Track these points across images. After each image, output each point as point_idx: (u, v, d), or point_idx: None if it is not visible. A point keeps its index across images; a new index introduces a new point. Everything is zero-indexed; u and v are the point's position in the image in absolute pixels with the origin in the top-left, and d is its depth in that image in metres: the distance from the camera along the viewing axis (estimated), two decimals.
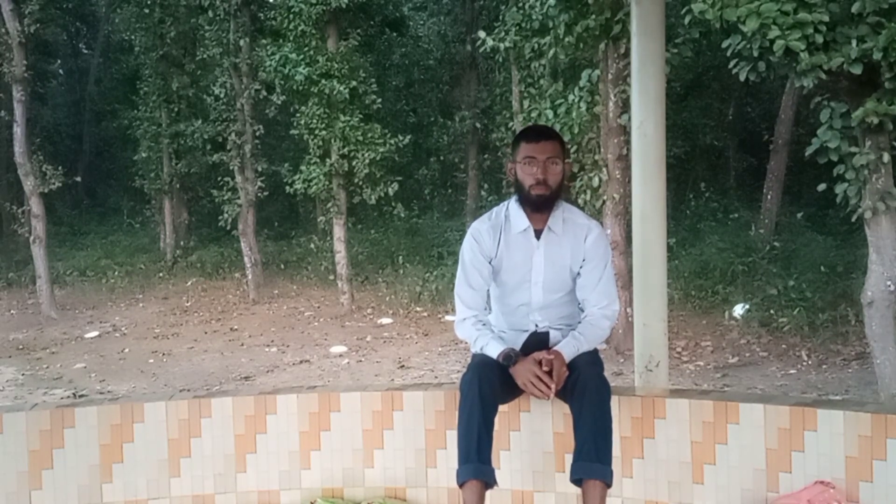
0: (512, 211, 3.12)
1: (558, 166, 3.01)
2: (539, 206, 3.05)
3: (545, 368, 2.90)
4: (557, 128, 9.74)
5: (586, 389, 2.86)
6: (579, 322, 3.10)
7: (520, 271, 3.10)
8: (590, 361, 2.98)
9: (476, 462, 2.80)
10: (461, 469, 2.83)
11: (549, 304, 3.12)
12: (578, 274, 3.10)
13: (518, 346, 3.09)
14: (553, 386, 2.88)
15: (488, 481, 2.82)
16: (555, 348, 2.99)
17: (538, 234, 3.09)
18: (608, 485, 2.80)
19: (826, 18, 6.07)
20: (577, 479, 2.84)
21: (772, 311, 10.44)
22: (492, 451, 2.86)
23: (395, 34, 18.97)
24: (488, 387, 2.88)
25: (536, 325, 3.13)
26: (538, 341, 3.11)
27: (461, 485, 2.82)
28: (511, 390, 3.04)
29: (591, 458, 2.79)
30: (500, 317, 3.19)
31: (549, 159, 3.00)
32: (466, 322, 3.10)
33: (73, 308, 15.31)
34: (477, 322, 3.09)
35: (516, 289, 3.12)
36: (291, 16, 13.40)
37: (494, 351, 2.98)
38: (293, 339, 12.20)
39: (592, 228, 3.12)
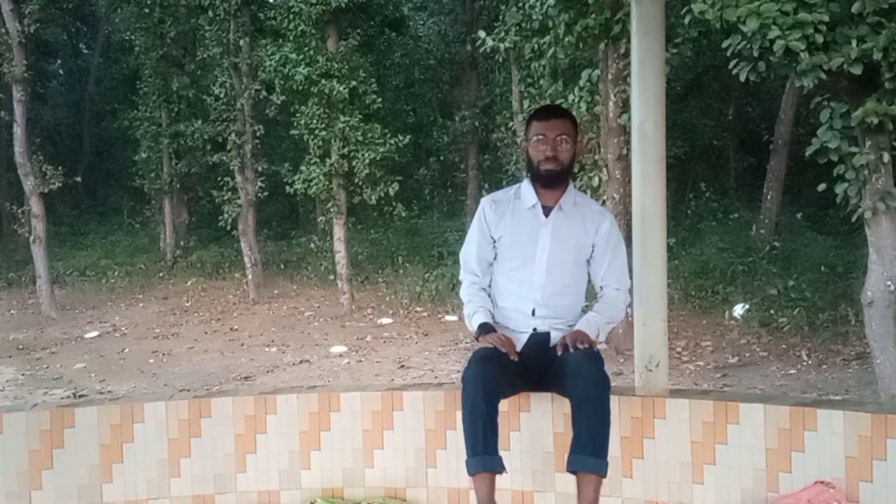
0: (523, 189, 3.20)
1: (569, 144, 3.09)
2: (549, 182, 3.11)
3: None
4: None
5: (586, 383, 2.87)
6: (596, 301, 3.18)
7: (524, 246, 3.13)
8: (590, 356, 2.98)
9: (483, 454, 2.84)
10: (469, 461, 2.87)
11: (550, 286, 3.12)
12: (588, 262, 3.17)
13: (519, 348, 3.09)
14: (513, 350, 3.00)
15: (497, 471, 2.87)
16: (577, 329, 3.07)
17: (547, 211, 3.14)
18: (603, 476, 2.84)
19: (826, 18, 6.07)
20: (572, 470, 2.87)
21: (772, 311, 10.44)
22: (498, 441, 2.88)
23: (395, 34, 18.97)
24: (490, 379, 2.90)
25: (534, 312, 3.13)
26: (539, 342, 3.11)
27: (471, 475, 2.87)
28: (512, 384, 3.06)
29: (587, 451, 2.82)
30: (503, 299, 3.21)
31: (559, 136, 3.07)
32: (464, 283, 3.25)
33: (73, 308, 15.31)
34: (472, 286, 3.22)
35: (520, 267, 3.14)
36: (291, 16, 13.41)
37: (476, 321, 3.12)
38: (293, 339, 12.20)
39: (605, 218, 3.20)
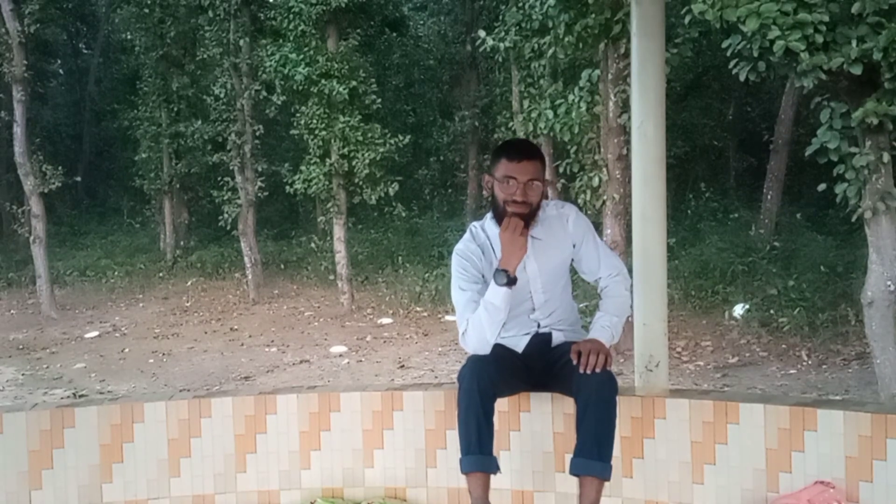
0: (490, 233, 3.07)
1: (539, 186, 2.96)
2: None
3: None
4: (557, 128, 9.75)
5: (594, 386, 2.85)
6: (600, 298, 3.11)
7: (517, 287, 2.99)
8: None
9: (477, 454, 2.83)
10: (463, 460, 2.86)
11: (549, 300, 3.10)
12: (573, 260, 3.12)
13: (521, 349, 3.09)
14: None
15: (491, 471, 2.86)
16: (591, 337, 2.97)
17: None
18: (607, 480, 2.83)
19: (826, 18, 6.07)
20: (576, 474, 2.86)
21: (772, 311, 10.44)
22: (493, 441, 2.86)
23: (395, 34, 18.97)
24: (486, 377, 2.88)
25: (539, 326, 3.12)
26: (541, 343, 3.10)
27: (465, 474, 2.86)
28: (511, 384, 3.04)
29: (593, 456, 2.80)
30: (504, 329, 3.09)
31: (530, 181, 2.93)
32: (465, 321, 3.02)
33: (73, 308, 15.31)
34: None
35: (518, 303, 3.05)
36: (291, 16, 13.41)
37: (494, 291, 2.89)
38: (293, 339, 12.20)
39: (569, 212, 3.11)
